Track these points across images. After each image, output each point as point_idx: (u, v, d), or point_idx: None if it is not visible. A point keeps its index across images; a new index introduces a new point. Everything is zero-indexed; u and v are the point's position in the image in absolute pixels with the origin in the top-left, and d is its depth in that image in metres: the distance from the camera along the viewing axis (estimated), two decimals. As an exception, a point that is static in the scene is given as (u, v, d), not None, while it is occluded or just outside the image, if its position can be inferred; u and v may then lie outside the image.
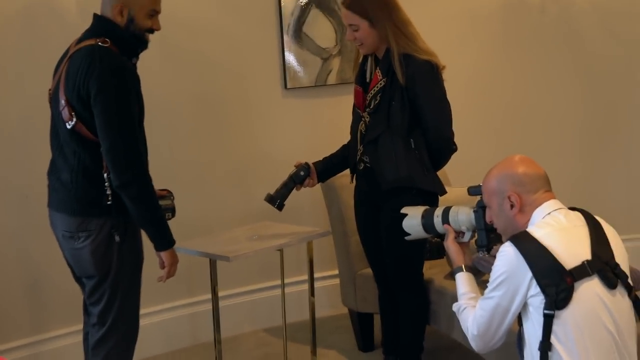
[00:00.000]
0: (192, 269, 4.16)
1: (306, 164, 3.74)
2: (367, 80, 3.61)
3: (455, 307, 2.80)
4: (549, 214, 2.61)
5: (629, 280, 2.55)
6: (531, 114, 5.24)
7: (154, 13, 3.18)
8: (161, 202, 3.34)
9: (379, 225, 3.63)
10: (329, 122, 4.59)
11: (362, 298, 4.15)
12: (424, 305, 3.73)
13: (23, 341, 3.98)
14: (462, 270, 2.86)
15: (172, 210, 3.38)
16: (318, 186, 3.91)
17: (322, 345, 4.30)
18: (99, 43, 3.02)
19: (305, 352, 4.07)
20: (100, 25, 3.10)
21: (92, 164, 3.03)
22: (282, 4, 4.55)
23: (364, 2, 3.48)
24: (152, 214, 3.09)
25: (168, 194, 3.44)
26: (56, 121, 3.13)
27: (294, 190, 3.71)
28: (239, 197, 4.49)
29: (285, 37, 4.60)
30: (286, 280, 4.07)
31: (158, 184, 3.58)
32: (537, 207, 2.64)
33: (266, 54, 4.61)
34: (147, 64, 3.90)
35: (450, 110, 3.55)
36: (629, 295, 2.54)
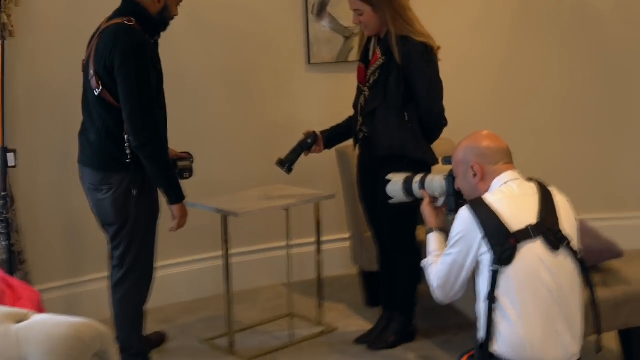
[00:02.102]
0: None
1: (314, 132, 4.14)
2: (370, 58, 3.99)
3: (423, 262, 3.16)
4: (505, 183, 2.95)
5: (572, 245, 2.87)
6: (546, 97, 5.47)
7: (180, 1, 3.64)
8: (180, 163, 3.83)
9: (376, 190, 4.00)
10: (347, 96, 4.89)
11: (368, 258, 4.52)
12: (416, 265, 4.07)
13: (61, 282, 4.46)
14: (433, 231, 3.22)
15: (190, 171, 3.86)
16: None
17: (332, 300, 4.71)
18: (125, 22, 3.47)
19: (315, 305, 4.49)
20: (128, 6, 3.56)
21: (114, 126, 3.50)
22: (309, -16, 4.93)
23: None
24: (165, 171, 3.55)
25: (188, 156, 3.91)
26: (87, 88, 3.60)
27: (304, 156, 4.12)
28: (260, 162, 4.86)
29: (310, 16, 4.98)
30: (304, 240, 4.48)
31: (188, 147, 4.08)
32: (496, 176, 2.98)
33: (292, 31, 5.01)
34: (179, 37, 4.36)
35: (441, 87, 3.91)
36: (573, 256, 2.87)
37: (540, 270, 2.79)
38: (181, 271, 4.85)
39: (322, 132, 4.18)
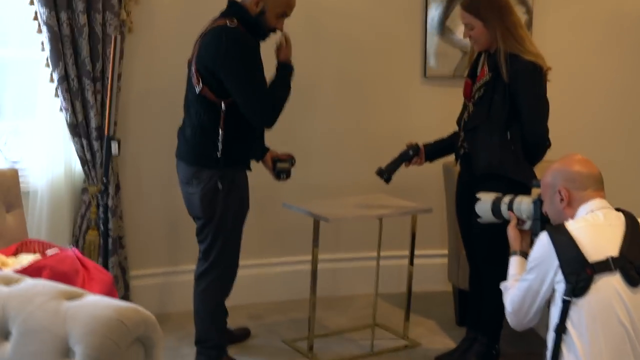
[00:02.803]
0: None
1: (416, 144, 4.10)
2: (477, 74, 3.92)
3: (502, 285, 3.09)
4: (592, 211, 2.85)
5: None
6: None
7: (284, 15, 3.70)
8: (280, 165, 3.90)
9: (472, 208, 3.91)
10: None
11: (463, 276, 4.44)
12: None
13: (157, 270, 4.60)
14: (517, 255, 3.14)
15: (288, 173, 3.92)
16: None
17: (422, 315, 4.67)
18: (227, 23, 3.55)
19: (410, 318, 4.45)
20: (232, 8, 3.67)
21: (209, 122, 3.59)
22: (428, -4, 4.89)
23: (479, 4, 3.80)
24: (285, 96, 3.77)
25: (288, 159, 3.97)
26: (188, 86, 3.70)
27: (404, 167, 4.09)
28: (367, 170, 4.79)
29: (429, 28, 4.94)
30: (403, 252, 4.46)
31: (297, 149, 4.16)
32: (583, 203, 2.88)
33: (409, 43, 4.99)
34: (294, 40, 4.41)
35: (547, 108, 3.81)
36: (656, 296, 2.73)
37: (615, 305, 2.67)
38: (278, 271, 4.90)
39: (425, 145, 4.14)
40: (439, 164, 4.43)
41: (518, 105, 3.77)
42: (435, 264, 4.99)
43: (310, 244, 4.78)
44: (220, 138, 3.56)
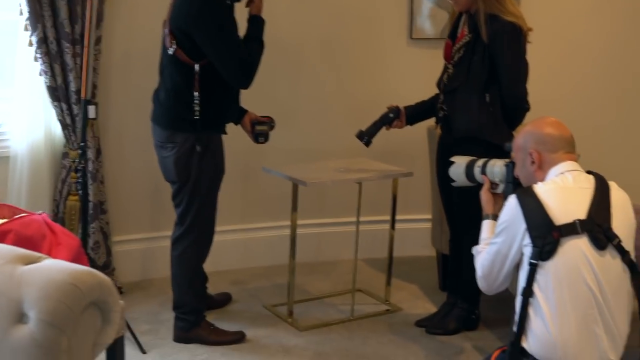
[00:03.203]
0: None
1: (397, 107, 4.06)
2: (458, 35, 3.86)
3: (473, 249, 3.05)
4: (562, 173, 2.81)
5: (623, 244, 2.69)
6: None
7: None
8: (258, 127, 3.86)
9: (451, 171, 3.89)
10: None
11: (446, 240, 4.40)
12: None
13: (139, 235, 4.59)
14: (489, 218, 3.10)
15: (265, 136, 3.89)
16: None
17: (406, 280, 4.67)
18: None
19: (393, 283, 4.45)
20: None
21: (184, 85, 3.54)
22: (415, -44, 4.82)
23: None
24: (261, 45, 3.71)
25: (268, 121, 3.92)
26: (163, 48, 3.65)
27: (385, 130, 4.05)
28: (352, 133, 4.82)
29: (414, -10, 4.88)
30: (387, 217, 4.45)
31: (280, 112, 4.14)
32: (553, 165, 2.84)
33: (394, 4, 4.92)
34: (278, 7, 4.38)
35: (526, 70, 3.75)
36: (623, 258, 2.70)
37: (582, 268, 2.63)
38: (263, 236, 4.89)
39: (406, 108, 4.09)
40: (423, 127, 4.39)
41: (497, 67, 3.72)
42: (420, 229, 4.97)
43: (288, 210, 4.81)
44: (195, 101, 3.53)
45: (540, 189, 2.75)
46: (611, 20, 5.13)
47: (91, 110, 3.83)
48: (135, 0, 4.39)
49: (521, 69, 3.75)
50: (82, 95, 3.84)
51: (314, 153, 4.76)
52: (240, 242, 4.84)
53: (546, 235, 2.65)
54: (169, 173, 3.69)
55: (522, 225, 2.70)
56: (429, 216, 4.82)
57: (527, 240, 2.70)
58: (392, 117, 4.04)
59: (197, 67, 3.51)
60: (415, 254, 4.97)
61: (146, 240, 4.60)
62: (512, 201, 2.77)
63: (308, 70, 4.86)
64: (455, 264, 4.08)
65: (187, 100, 3.54)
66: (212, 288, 4.29)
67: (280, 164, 4.44)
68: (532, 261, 2.67)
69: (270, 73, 4.72)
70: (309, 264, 4.84)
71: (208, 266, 4.54)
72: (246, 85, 3.66)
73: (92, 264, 4.15)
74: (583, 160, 4.20)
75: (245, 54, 3.56)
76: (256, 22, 3.69)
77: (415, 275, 4.76)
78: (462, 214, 3.93)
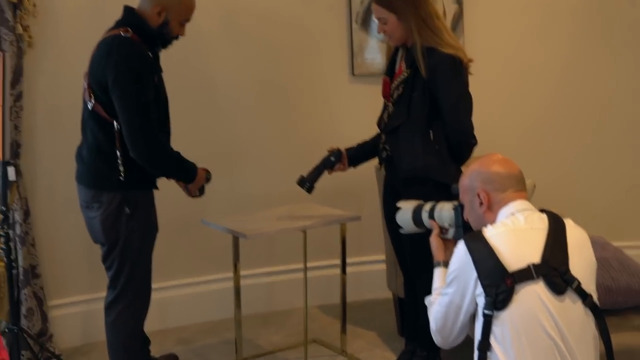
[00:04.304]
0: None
1: (338, 149, 3.85)
2: (396, 71, 3.68)
3: (426, 300, 2.84)
4: (512, 214, 2.63)
5: (583, 287, 2.50)
6: (612, 112, 5.12)
7: (185, 22, 3.47)
8: None
9: (399, 215, 3.69)
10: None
11: (401, 283, 4.21)
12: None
13: (81, 297, 4.33)
14: (440, 266, 2.89)
15: (201, 189, 3.64)
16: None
17: (364, 326, 4.46)
18: (122, 33, 3.29)
19: (349, 330, 4.25)
20: (128, 17, 3.40)
21: (106, 142, 3.31)
22: (352, -8, 4.66)
23: None
24: (171, 169, 3.44)
25: (205, 174, 3.69)
26: (84, 102, 3.42)
27: (327, 175, 3.84)
28: (296, 177, 4.62)
29: (354, 25, 4.70)
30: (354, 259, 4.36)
31: (218, 160, 3.96)
32: (503, 206, 2.66)
33: (334, 41, 4.75)
34: (211, 44, 4.17)
35: (470, 104, 3.56)
36: (584, 301, 2.50)
37: (541, 316, 2.44)
38: (209, 289, 4.66)
39: (347, 149, 3.89)
40: (371, 166, 4.19)
41: (438, 102, 3.52)
42: (375, 271, 4.77)
43: (243, 259, 4.58)
44: (118, 160, 3.29)
45: (489, 232, 2.55)
46: (559, 42, 4.99)
47: (11, 172, 3.59)
48: (59, 53, 4.16)
49: (464, 103, 3.55)
50: (0, 157, 3.60)
51: (258, 200, 4.56)
52: (186, 297, 4.60)
53: (499, 283, 2.46)
54: (96, 234, 3.44)
55: (473, 274, 2.51)
56: (384, 257, 4.62)
57: (480, 289, 2.50)
58: (334, 161, 3.84)
59: (116, 124, 3.28)
60: (373, 297, 4.76)
61: (85, 302, 4.34)
62: (460, 248, 2.58)
63: (245, 113, 4.65)
64: (410, 308, 3.86)
65: (110, 159, 3.30)
66: (157, 349, 4.05)
67: (222, 214, 4.24)
68: (486, 312, 2.47)
69: (207, 116, 4.53)
70: (261, 315, 4.63)
71: (152, 325, 4.32)
72: (140, 159, 3.28)
73: (25, 332, 3.89)
74: (541, 193, 4.10)
75: (151, 128, 3.28)
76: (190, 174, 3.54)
77: (373, 321, 4.54)
78: (413, 258, 3.72)
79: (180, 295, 4.58)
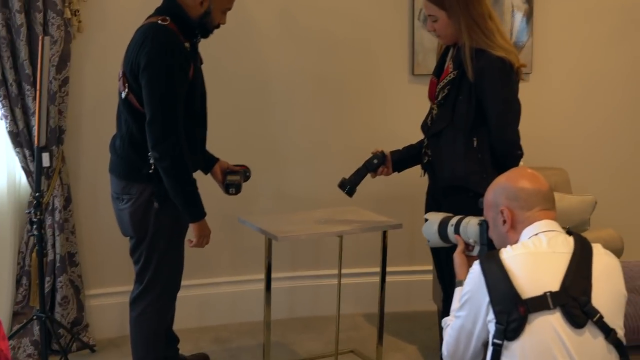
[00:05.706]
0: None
1: (382, 152, 3.66)
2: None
3: (443, 322, 2.66)
4: (535, 234, 2.41)
5: (606, 321, 2.27)
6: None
7: (227, 10, 3.35)
8: (229, 177, 3.52)
9: (439, 224, 3.48)
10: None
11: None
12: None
13: (119, 288, 4.24)
14: (462, 285, 2.69)
15: (237, 187, 3.54)
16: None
17: (406, 339, 4.26)
18: (159, 21, 3.19)
19: (390, 342, 4.10)
20: (167, 5, 3.30)
21: (138, 133, 3.22)
22: (416, -12, 4.45)
23: None
24: (182, 187, 3.21)
25: (242, 170, 3.58)
26: (119, 91, 3.34)
27: (370, 178, 3.66)
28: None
29: (417, 22, 4.50)
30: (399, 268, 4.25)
31: (268, 158, 3.81)
32: (527, 225, 2.45)
33: (395, 38, 4.56)
34: (267, 40, 4.06)
35: (518, 112, 3.31)
36: (606, 337, 2.27)
37: (555, 351, 2.23)
38: (253, 289, 4.49)
39: (392, 153, 3.69)
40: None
41: (484, 108, 3.30)
42: (427, 281, 4.53)
43: (287, 261, 4.46)
44: (149, 152, 3.19)
45: (506, 254, 2.35)
46: (631, 50, 4.68)
47: (45, 158, 3.55)
48: (107, 39, 4.11)
49: (511, 111, 3.30)
50: (35, 142, 3.56)
51: (304, 200, 4.44)
52: (228, 295, 4.50)
53: (511, 311, 2.25)
54: (125, 227, 3.37)
55: (486, 298, 2.32)
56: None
57: (491, 315, 2.30)
58: (377, 164, 3.64)
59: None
60: (421, 309, 4.54)
61: (123, 293, 4.17)
62: (475, 269, 2.39)
63: (301, 110, 4.51)
64: (447, 326, 3.65)
65: (142, 150, 3.21)
66: (192, 346, 3.98)
67: (265, 212, 4.13)
68: (496, 341, 2.27)
69: (257, 110, 4.41)
70: (304, 319, 4.47)
71: (191, 322, 4.26)
72: (157, 154, 3.15)
73: (55, 321, 3.86)
74: (605, 211, 3.83)
75: (174, 126, 3.15)
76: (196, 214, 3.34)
77: (416, 334, 4.35)
78: (451, 272, 3.50)
79: (221, 294, 4.48)
